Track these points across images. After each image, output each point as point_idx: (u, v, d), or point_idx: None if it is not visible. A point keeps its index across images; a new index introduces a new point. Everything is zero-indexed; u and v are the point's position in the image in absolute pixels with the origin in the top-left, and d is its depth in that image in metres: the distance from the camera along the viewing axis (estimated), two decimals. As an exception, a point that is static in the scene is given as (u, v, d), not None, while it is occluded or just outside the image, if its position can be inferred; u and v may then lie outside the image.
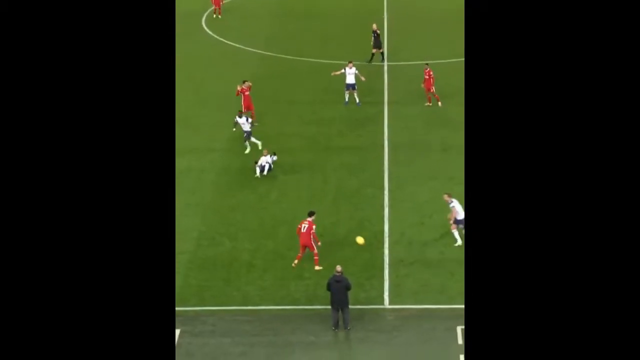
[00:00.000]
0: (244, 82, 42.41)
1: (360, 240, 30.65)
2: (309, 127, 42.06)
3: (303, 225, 30.64)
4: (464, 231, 29.79)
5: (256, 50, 52.99)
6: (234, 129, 39.96)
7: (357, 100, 44.08)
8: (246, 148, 39.44)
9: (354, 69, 44.15)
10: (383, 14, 59.19)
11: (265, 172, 36.94)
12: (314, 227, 30.65)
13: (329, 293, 27.24)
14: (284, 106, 44.49)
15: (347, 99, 44.34)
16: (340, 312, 27.30)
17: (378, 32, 50.06)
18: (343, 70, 44.39)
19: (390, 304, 28.60)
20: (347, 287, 27.16)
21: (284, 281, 29.84)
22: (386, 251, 31.41)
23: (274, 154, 37.50)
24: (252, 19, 59.46)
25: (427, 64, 44.44)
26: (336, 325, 27.37)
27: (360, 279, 29.49)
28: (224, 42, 54.93)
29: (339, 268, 27.39)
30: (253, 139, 39.54)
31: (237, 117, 39.64)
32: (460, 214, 30.61)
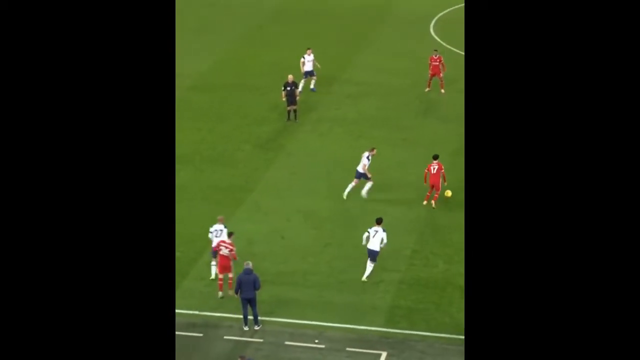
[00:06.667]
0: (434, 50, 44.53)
1: (448, 193, 33.54)
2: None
3: (432, 167, 33.37)
4: None
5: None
6: None
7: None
8: None
9: (312, 56, 43.60)
10: None
11: None
12: (442, 168, 33.35)
13: None
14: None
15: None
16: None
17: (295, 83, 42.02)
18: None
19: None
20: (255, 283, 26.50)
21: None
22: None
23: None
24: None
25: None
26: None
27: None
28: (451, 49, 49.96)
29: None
30: None
31: None
32: None
